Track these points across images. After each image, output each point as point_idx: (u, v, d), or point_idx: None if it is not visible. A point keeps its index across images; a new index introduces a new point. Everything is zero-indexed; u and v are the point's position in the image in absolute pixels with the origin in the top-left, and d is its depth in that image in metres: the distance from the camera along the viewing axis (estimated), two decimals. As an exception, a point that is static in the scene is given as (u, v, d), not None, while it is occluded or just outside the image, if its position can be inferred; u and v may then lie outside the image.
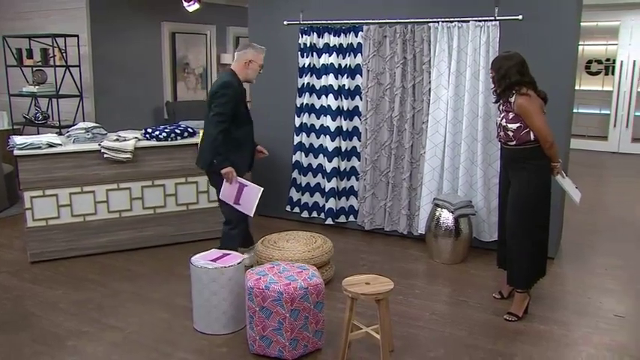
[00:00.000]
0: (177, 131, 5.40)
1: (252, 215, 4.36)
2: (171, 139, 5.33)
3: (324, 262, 4.44)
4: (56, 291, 4.40)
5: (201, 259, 3.73)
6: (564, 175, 4.09)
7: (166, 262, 5.01)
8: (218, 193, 4.44)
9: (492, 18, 4.94)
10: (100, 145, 5.05)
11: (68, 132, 5.24)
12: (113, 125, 6.13)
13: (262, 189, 4.25)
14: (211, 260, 3.71)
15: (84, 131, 5.15)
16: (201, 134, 4.50)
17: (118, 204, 5.18)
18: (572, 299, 4.37)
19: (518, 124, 3.79)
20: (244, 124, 4.39)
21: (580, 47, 9.52)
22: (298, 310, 3.30)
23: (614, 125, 11.13)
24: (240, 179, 4.28)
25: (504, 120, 3.86)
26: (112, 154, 5.04)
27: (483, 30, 4.97)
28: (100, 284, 4.53)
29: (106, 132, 5.31)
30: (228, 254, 3.85)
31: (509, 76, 3.78)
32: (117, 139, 5.15)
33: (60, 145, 5.00)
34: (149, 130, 5.36)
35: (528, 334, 3.77)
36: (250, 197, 4.23)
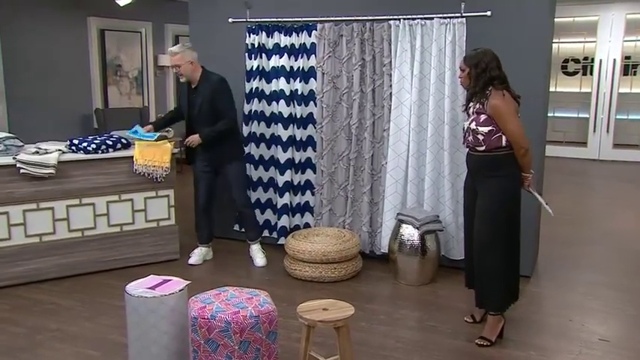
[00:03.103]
0: (109, 142, 5.37)
1: None
2: (102, 152, 5.30)
3: (354, 254, 5.29)
4: (-45, 334, 4.25)
5: (137, 287, 3.70)
6: (534, 190, 4.16)
7: (97, 292, 4.96)
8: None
9: (459, 15, 5.09)
10: (15, 158, 4.95)
11: (-25, 144, 5.11)
12: (31, 136, 6.03)
13: None
14: (149, 288, 3.68)
15: (-6, 143, 5.06)
16: None
17: (37, 226, 5.10)
18: (551, 321, 4.50)
19: (489, 128, 3.89)
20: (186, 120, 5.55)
21: (555, 45, 9.91)
22: (248, 341, 3.33)
23: (594, 130, 11.51)
24: None
25: (474, 123, 3.94)
26: (31, 169, 4.96)
27: (449, 28, 5.13)
28: (13, 322, 4.40)
29: (22, 143, 5.22)
30: (169, 280, 3.84)
31: (489, 71, 3.88)
32: (36, 152, 5.07)
33: (-36, 159, 4.90)
34: (75, 142, 5.31)
35: (503, 361, 3.88)
36: None
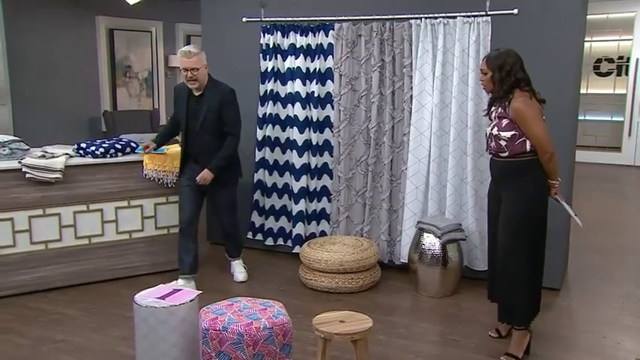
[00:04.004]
0: (118, 146, 5.44)
1: None
2: (111, 156, 5.36)
3: (372, 264, 5.31)
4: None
5: (146, 297, 3.73)
6: (561, 199, 4.12)
7: (104, 302, 5.00)
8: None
9: (483, 13, 5.10)
10: (20, 162, 5.01)
11: (-21, 147, 5.17)
12: (37, 139, 6.11)
13: None
14: (159, 298, 3.72)
15: (-1, 146, 5.13)
16: None
17: (43, 233, 5.15)
18: (582, 338, 4.47)
19: (512, 132, 3.88)
20: (183, 129, 5.24)
21: (587, 44, 9.85)
22: (262, 354, 3.35)
23: (629, 134, 11.41)
24: None
25: (496, 128, 3.94)
26: (37, 174, 5.02)
27: (473, 27, 5.14)
28: (18, 333, 4.44)
29: (28, 147, 5.29)
30: (179, 290, 3.89)
31: (515, 73, 3.86)
32: (43, 156, 5.12)
33: (-32, 163, 4.96)
34: (83, 145, 5.37)
35: (529, 379, 3.87)
36: None
